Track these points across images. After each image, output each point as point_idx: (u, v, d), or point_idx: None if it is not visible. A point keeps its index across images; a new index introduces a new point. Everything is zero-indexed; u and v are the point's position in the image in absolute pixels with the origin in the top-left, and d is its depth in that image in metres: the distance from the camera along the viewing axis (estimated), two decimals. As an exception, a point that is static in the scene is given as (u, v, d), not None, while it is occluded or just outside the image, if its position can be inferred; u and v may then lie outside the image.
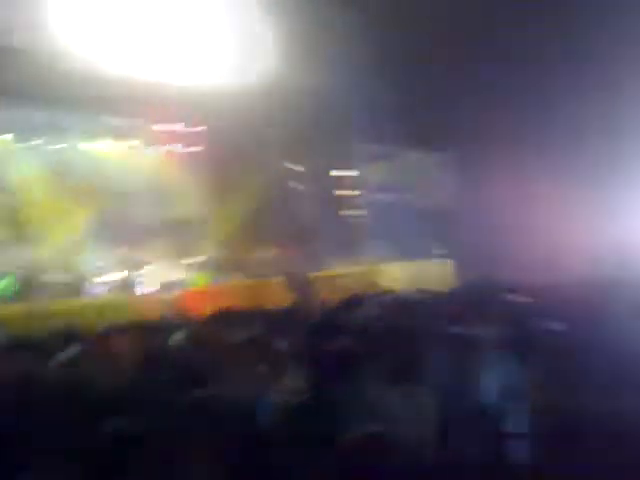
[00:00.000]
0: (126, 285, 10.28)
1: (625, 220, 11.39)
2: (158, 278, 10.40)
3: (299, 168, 12.99)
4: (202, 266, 11.44)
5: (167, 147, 12.34)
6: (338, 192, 13.78)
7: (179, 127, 12.26)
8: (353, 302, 5.33)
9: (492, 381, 2.94)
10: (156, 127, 11.98)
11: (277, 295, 8.73)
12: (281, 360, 3.15)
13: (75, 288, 9.86)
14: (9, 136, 10.78)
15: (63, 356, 3.56)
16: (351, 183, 13.77)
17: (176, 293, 9.43)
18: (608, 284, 4.90)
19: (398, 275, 10.31)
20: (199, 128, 12.40)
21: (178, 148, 12.40)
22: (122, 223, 10.87)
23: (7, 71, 8.37)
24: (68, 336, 4.03)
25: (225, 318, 4.79)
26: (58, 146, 11.25)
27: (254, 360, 3.10)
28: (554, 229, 11.91)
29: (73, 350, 3.62)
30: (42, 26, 8.93)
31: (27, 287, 9.52)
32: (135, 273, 10.45)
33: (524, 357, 2.99)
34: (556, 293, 4.91)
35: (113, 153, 11.85)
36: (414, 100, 12.51)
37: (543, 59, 11.68)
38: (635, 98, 11.22)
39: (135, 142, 12.11)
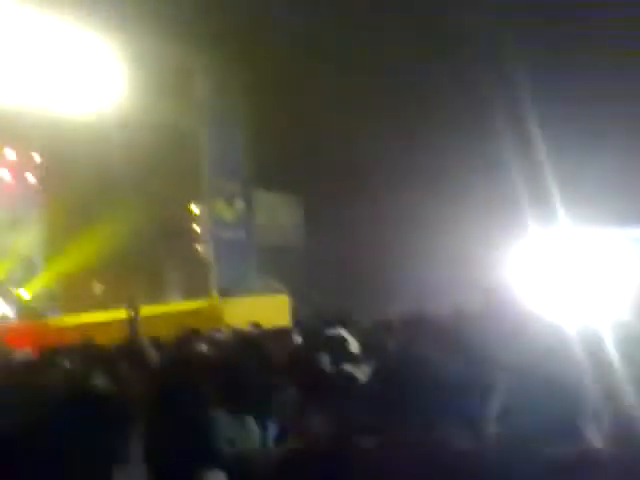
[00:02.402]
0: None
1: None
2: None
3: (147, 201, 12.63)
4: (33, 300, 11.01)
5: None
6: (185, 225, 13.71)
7: (15, 154, 11.77)
8: (191, 338, 5.42)
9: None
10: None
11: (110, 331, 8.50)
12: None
13: None
14: None
15: None
16: (199, 218, 13.75)
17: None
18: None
19: (238, 311, 10.41)
20: (36, 157, 12.01)
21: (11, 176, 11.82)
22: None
23: None
24: None
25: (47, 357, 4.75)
26: None
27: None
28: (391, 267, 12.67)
29: None
30: None
31: None
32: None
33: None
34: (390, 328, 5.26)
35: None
36: (265, 143, 12.85)
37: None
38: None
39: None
